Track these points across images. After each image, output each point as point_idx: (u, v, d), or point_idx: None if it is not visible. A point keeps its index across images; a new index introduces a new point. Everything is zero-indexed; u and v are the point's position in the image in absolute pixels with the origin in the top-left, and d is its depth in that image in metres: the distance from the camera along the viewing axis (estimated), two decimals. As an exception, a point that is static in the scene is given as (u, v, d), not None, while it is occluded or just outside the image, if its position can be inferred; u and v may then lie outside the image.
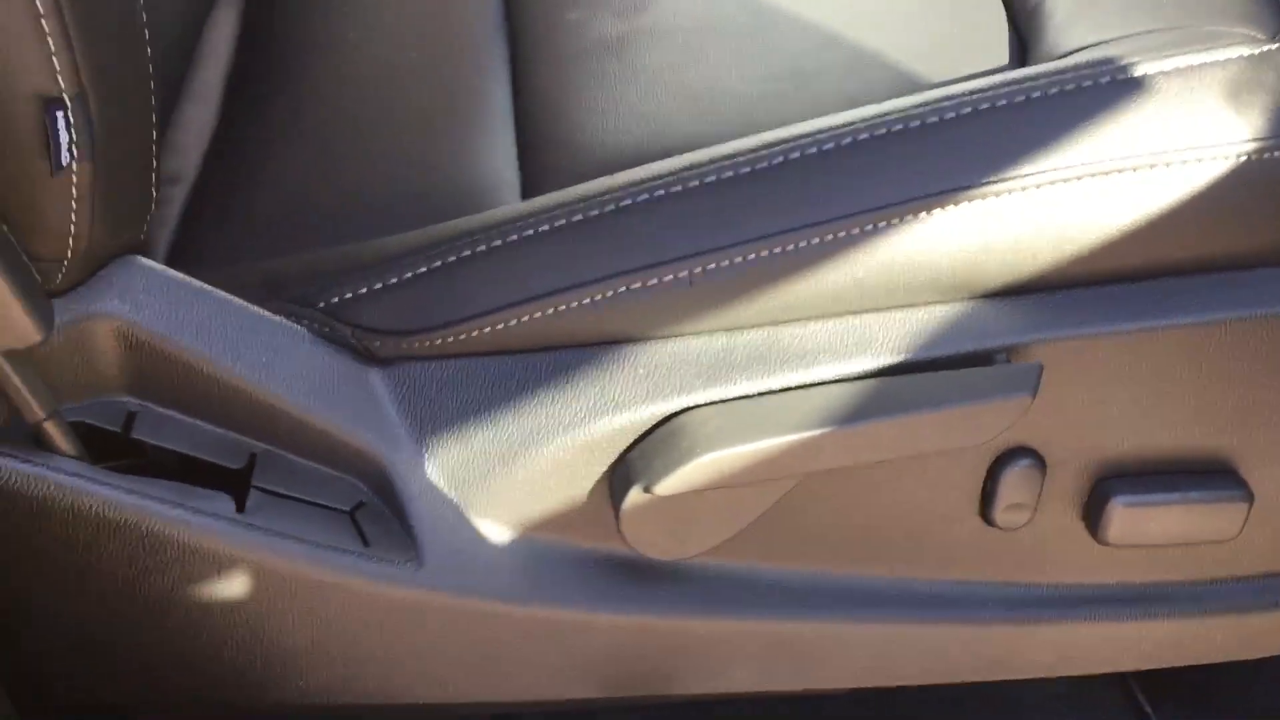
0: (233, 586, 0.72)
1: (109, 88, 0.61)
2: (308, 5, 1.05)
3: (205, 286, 0.72)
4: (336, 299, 0.75)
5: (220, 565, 0.71)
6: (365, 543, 0.73)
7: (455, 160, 0.85)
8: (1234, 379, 0.75)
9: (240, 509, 0.71)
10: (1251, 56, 0.74)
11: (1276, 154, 0.71)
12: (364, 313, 0.75)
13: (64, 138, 0.59)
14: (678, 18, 0.91)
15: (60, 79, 0.59)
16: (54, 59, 0.58)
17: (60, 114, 0.59)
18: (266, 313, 0.73)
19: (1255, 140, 0.71)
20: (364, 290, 0.75)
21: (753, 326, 0.74)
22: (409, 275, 0.75)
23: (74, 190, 0.62)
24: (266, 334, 0.72)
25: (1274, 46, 0.75)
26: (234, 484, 0.72)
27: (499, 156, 0.85)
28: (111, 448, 0.71)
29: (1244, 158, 0.71)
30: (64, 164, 0.60)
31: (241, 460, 0.72)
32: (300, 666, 0.77)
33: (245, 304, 0.73)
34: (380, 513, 0.74)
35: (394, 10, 1.03)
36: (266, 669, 0.77)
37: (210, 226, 0.84)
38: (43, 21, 0.57)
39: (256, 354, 0.71)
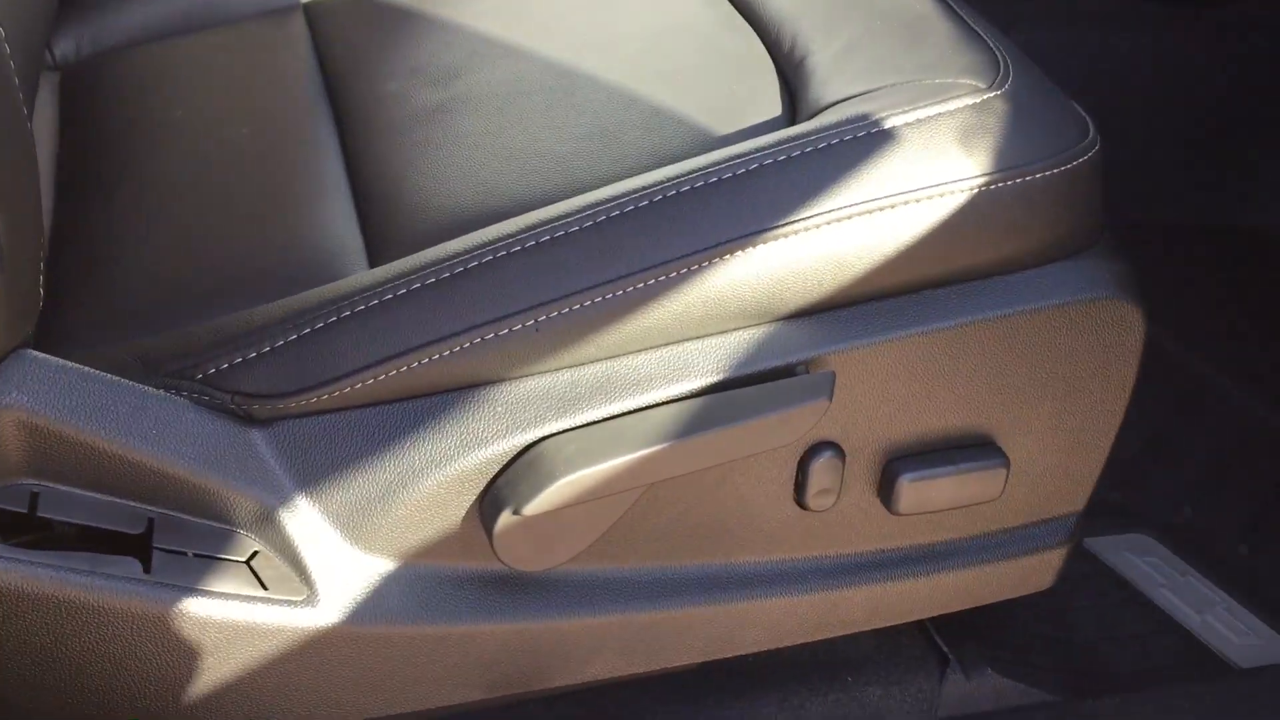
0: (147, 641, 0.78)
1: (12, 207, 0.67)
2: (125, 86, 1.08)
3: (93, 371, 0.77)
4: (213, 369, 0.82)
5: (134, 623, 0.77)
6: (263, 587, 0.80)
7: (301, 231, 0.91)
8: (986, 368, 0.89)
9: (147, 570, 0.77)
10: (975, 105, 0.88)
11: (997, 186, 0.86)
12: (240, 380, 0.81)
13: (-21, 258, 0.65)
14: (490, 85, 0.99)
15: None
16: None
17: (-23, 239, 0.64)
18: (150, 389, 0.79)
19: (982, 175, 0.86)
20: (239, 360, 0.82)
21: (593, 361, 0.83)
22: (280, 343, 0.82)
23: None
24: (153, 409, 0.78)
25: (991, 95, 0.90)
26: (137, 548, 0.78)
27: (340, 224, 0.92)
28: (16, 525, 0.76)
29: (974, 190, 0.85)
30: (-23, 280, 0.66)
31: (141, 526, 0.78)
32: (210, 704, 0.83)
33: (131, 383, 0.78)
34: (274, 559, 0.81)
35: (214, 89, 1.07)
36: (179, 709, 0.82)
37: (72, 308, 0.88)
38: None
39: (146, 428, 0.77)
